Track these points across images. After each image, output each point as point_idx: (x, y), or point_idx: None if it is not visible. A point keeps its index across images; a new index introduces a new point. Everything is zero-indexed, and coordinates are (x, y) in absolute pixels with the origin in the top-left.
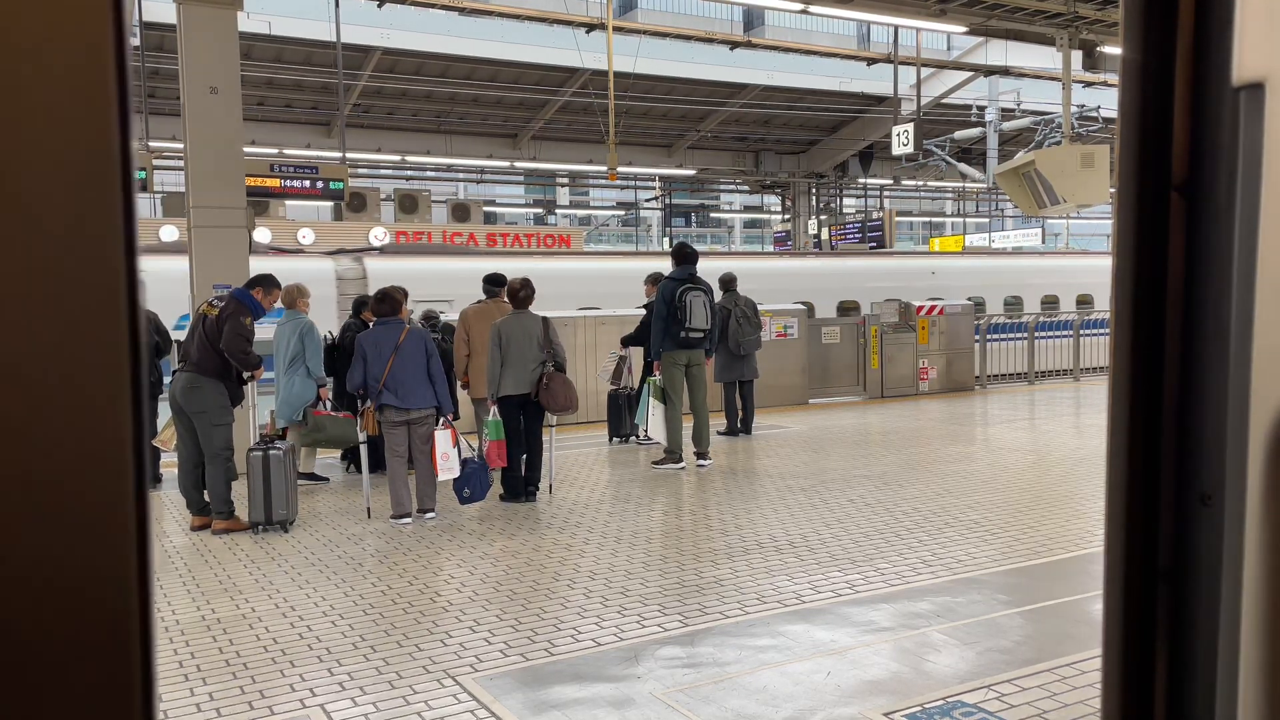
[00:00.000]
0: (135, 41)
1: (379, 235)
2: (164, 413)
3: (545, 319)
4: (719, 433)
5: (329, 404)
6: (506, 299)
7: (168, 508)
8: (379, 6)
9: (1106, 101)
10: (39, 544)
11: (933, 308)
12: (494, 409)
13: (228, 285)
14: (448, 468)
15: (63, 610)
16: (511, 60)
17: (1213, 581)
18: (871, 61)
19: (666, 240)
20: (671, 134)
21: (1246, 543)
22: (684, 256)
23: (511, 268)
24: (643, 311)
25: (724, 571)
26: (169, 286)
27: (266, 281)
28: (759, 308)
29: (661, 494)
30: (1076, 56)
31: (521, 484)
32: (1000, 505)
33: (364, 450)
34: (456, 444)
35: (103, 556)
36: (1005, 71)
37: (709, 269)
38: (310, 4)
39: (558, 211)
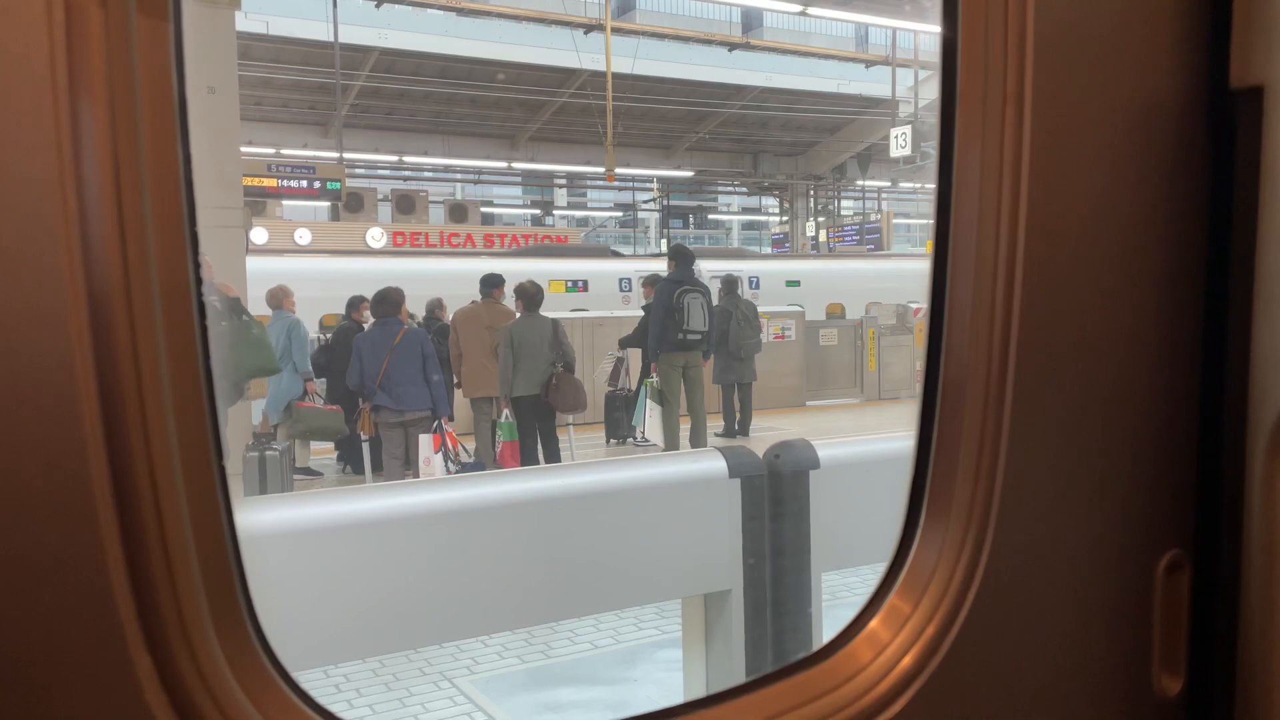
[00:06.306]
0: None
1: (376, 236)
2: None
3: (555, 321)
4: (716, 435)
5: (317, 398)
6: (518, 301)
7: None
8: (377, 6)
9: None
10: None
11: None
12: (506, 411)
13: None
14: (428, 474)
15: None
16: (509, 61)
17: (1216, 577)
18: (870, 63)
19: (664, 241)
20: (669, 135)
21: (1246, 540)
22: (682, 258)
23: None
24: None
25: None
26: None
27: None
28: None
29: None
30: None
31: None
32: None
33: (365, 450)
34: (441, 449)
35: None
36: None
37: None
38: (308, 4)
39: (555, 212)
